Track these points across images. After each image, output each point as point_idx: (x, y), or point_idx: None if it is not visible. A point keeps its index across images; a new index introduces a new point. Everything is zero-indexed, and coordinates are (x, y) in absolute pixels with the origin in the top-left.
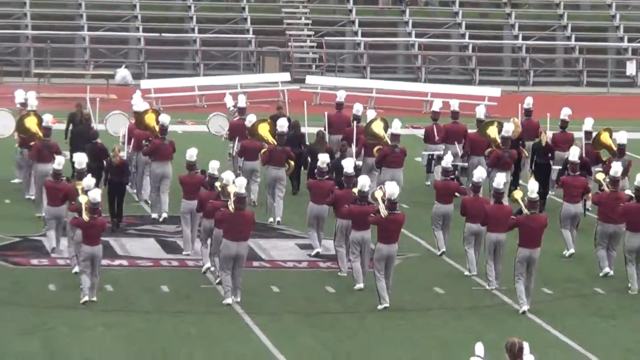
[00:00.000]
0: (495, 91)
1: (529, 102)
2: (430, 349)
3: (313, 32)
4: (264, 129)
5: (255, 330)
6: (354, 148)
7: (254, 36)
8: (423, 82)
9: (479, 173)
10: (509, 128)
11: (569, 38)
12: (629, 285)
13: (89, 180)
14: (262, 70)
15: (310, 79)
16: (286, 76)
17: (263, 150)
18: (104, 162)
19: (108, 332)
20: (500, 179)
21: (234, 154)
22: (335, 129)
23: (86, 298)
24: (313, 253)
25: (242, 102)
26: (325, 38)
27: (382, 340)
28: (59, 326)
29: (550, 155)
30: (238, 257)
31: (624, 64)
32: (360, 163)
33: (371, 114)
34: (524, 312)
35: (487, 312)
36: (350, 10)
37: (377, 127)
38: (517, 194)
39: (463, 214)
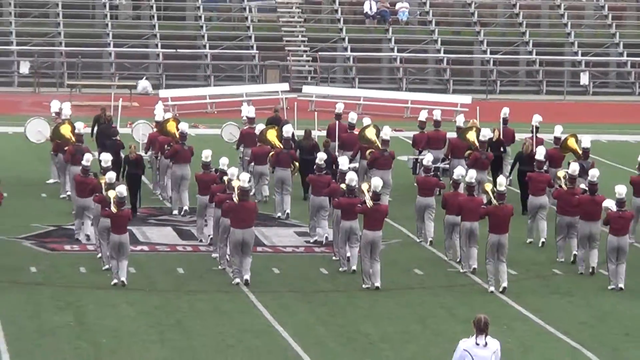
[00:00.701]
0: (467, 99)
1: (505, 111)
2: (411, 323)
3: (309, 48)
4: (271, 135)
5: (258, 307)
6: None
7: (257, 51)
8: (404, 91)
9: (458, 171)
10: (486, 133)
11: (530, 52)
12: (611, 282)
13: (111, 175)
14: (264, 81)
15: (306, 89)
16: (285, 86)
17: (271, 154)
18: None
19: (131, 308)
20: (472, 174)
21: (244, 159)
22: (333, 135)
23: (115, 281)
24: (312, 240)
25: (252, 112)
26: (319, 53)
27: (369, 315)
28: (89, 303)
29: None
30: (244, 242)
31: (578, 75)
32: (357, 165)
33: (366, 121)
34: (492, 292)
35: (460, 290)
36: (341, 29)
37: (370, 133)
38: (488, 186)
39: (443, 207)
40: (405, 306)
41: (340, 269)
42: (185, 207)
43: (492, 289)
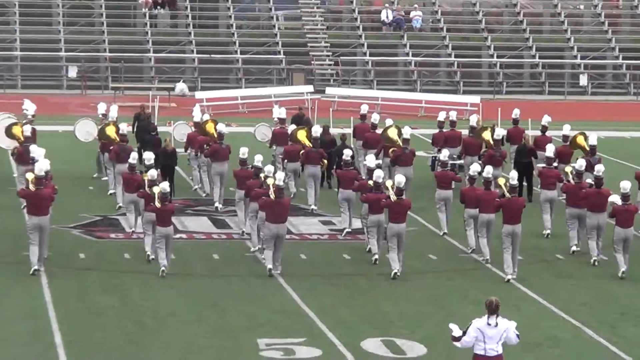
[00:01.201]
0: (475, 99)
1: (516, 112)
2: (426, 304)
3: (331, 53)
4: (302, 135)
5: (287, 289)
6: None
7: (284, 56)
8: (418, 92)
9: (474, 167)
10: (500, 132)
11: (533, 56)
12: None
13: (152, 172)
14: (291, 83)
15: (329, 90)
16: (310, 88)
17: (301, 152)
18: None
19: (171, 291)
20: (489, 170)
21: (277, 156)
22: (358, 134)
23: (163, 268)
24: (344, 234)
25: (283, 114)
26: (341, 57)
27: (387, 296)
28: (133, 286)
29: (533, 155)
30: (278, 236)
31: (577, 77)
32: (380, 161)
33: (388, 121)
34: (508, 281)
35: (472, 274)
36: (360, 35)
37: (392, 133)
38: (501, 181)
39: (462, 201)
40: (421, 289)
41: (373, 258)
42: (218, 205)
43: (508, 277)
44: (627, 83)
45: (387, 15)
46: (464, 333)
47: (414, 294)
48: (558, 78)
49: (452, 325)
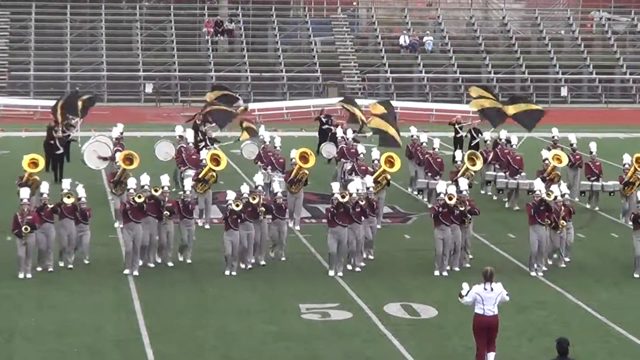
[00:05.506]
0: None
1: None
2: (438, 275)
3: (359, 71)
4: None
5: (325, 266)
6: None
7: (320, 74)
8: (430, 102)
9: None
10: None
11: (523, 72)
12: None
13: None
14: (326, 96)
15: (357, 101)
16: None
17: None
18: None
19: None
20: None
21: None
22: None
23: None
24: None
25: (350, 134)
26: (367, 74)
27: (405, 269)
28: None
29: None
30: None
31: (559, 89)
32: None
33: (423, 137)
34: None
35: (475, 251)
36: (383, 57)
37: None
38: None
39: None
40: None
41: None
42: None
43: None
44: (600, 94)
45: (404, 40)
46: (467, 294)
47: (430, 266)
48: (543, 90)
49: (464, 284)
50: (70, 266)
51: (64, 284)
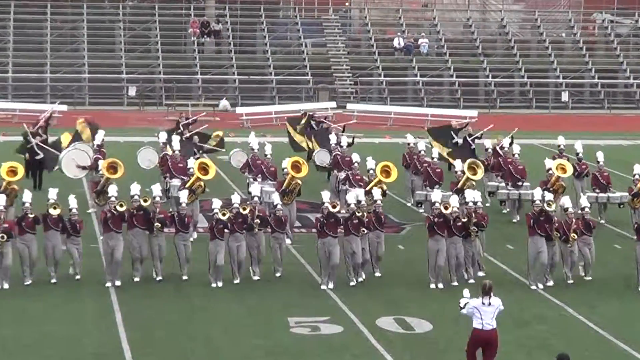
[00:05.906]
0: (473, 112)
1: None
2: (432, 287)
3: (351, 74)
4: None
5: (316, 278)
6: None
7: (311, 77)
8: (425, 107)
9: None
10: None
11: (522, 76)
12: None
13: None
14: (317, 100)
15: (349, 106)
16: (333, 104)
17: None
18: None
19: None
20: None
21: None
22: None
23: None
24: None
25: (344, 141)
26: (359, 78)
27: (401, 282)
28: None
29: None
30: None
31: (560, 93)
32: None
33: (421, 145)
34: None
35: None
36: (376, 59)
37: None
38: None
39: None
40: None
41: None
42: None
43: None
44: (602, 99)
45: (398, 42)
46: (464, 307)
47: (423, 280)
48: (543, 95)
49: (465, 291)
50: (54, 280)
51: (42, 295)
